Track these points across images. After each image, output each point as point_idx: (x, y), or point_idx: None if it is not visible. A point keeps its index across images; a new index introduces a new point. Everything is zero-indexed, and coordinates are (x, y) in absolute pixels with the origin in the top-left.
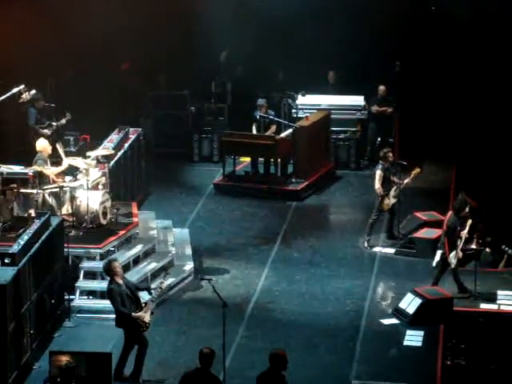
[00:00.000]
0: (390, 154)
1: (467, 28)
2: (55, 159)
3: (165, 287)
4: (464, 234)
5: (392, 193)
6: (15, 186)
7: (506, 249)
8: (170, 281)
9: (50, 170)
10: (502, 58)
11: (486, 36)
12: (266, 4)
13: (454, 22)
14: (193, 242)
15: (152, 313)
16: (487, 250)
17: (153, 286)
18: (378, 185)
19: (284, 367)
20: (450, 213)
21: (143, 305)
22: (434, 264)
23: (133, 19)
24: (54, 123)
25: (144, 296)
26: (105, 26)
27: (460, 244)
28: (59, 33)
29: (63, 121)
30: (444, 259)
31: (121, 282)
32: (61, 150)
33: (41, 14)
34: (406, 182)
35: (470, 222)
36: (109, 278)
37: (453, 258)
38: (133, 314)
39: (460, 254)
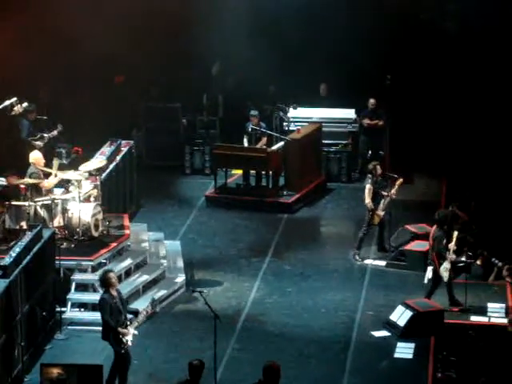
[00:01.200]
0: (378, 167)
1: (457, 41)
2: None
3: (150, 313)
4: (451, 246)
5: (381, 206)
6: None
7: (496, 261)
8: (161, 293)
9: (49, 182)
10: (492, 71)
11: (475, 49)
12: (258, 17)
13: (443, 36)
14: (184, 254)
15: (135, 334)
16: (477, 262)
17: (140, 309)
18: (368, 199)
19: (276, 381)
20: (435, 227)
21: (128, 323)
22: (425, 281)
23: (126, 33)
24: (46, 135)
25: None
26: (98, 39)
27: (449, 256)
28: (52, 45)
29: (55, 132)
30: (436, 274)
31: (115, 294)
32: (55, 167)
33: (33, 26)
34: (391, 193)
35: (456, 233)
36: (104, 289)
37: (444, 272)
38: (119, 328)
39: (448, 265)
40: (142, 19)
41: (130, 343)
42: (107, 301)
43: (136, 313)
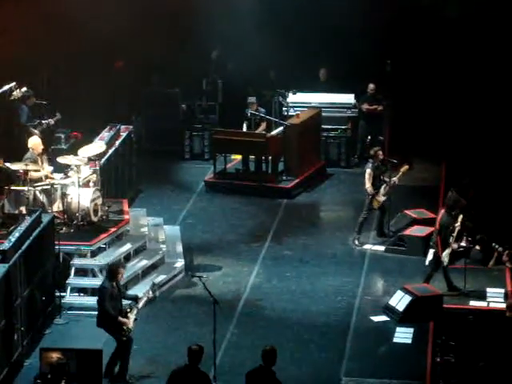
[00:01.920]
0: (380, 153)
1: (456, 26)
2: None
3: (151, 297)
4: (457, 229)
5: (382, 191)
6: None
7: (496, 246)
8: (160, 278)
9: (35, 173)
10: (492, 56)
11: (475, 35)
12: (258, 3)
13: (443, 21)
14: (184, 239)
15: (136, 319)
16: (477, 247)
17: (140, 294)
18: (368, 184)
19: (274, 362)
20: (443, 211)
21: (128, 309)
22: (426, 263)
23: (125, 18)
24: (44, 121)
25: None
26: (98, 24)
27: (452, 240)
28: (52, 31)
29: (52, 121)
30: (437, 258)
31: (114, 283)
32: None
33: (34, 10)
34: (394, 179)
35: (461, 217)
36: (105, 276)
37: (445, 257)
38: (119, 318)
39: (455, 246)
40: (142, 4)
41: (132, 329)
42: (108, 289)
43: (135, 298)
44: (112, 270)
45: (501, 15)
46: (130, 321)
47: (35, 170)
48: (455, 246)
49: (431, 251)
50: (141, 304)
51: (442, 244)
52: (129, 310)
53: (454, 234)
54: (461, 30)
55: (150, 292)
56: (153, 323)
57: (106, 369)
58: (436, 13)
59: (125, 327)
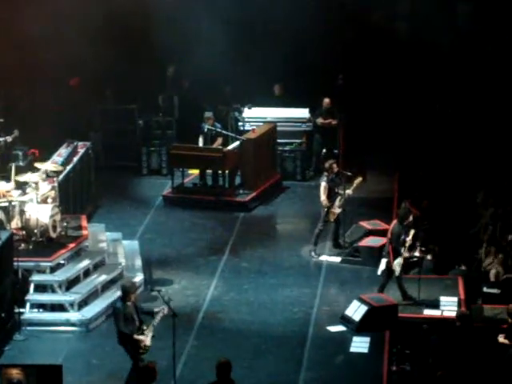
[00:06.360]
0: (335, 166)
1: (407, 41)
2: (3, 174)
3: (167, 313)
4: (408, 242)
5: (337, 203)
6: None
7: (462, 268)
8: (120, 293)
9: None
10: (443, 68)
11: (425, 47)
12: (212, 19)
13: (394, 35)
14: (142, 253)
15: (153, 336)
16: (429, 257)
17: (156, 309)
18: (323, 197)
19: (229, 375)
20: (395, 221)
21: (144, 327)
22: (378, 272)
23: (81, 34)
24: (1, 139)
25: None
26: (53, 40)
27: (404, 252)
28: (8, 46)
29: (10, 138)
30: (389, 267)
31: (129, 303)
32: (12, 172)
33: None
34: (348, 191)
35: (412, 231)
36: (121, 297)
37: (397, 266)
38: (135, 335)
39: (401, 261)
40: (98, 20)
41: (150, 346)
42: (121, 310)
43: (152, 313)
44: (124, 291)
45: (449, 28)
46: (148, 338)
47: None
48: (406, 254)
49: (383, 261)
50: (157, 320)
51: (393, 253)
52: (145, 327)
53: (406, 246)
54: (411, 43)
55: (165, 308)
56: (112, 337)
57: None
58: (386, 27)
59: (142, 345)
